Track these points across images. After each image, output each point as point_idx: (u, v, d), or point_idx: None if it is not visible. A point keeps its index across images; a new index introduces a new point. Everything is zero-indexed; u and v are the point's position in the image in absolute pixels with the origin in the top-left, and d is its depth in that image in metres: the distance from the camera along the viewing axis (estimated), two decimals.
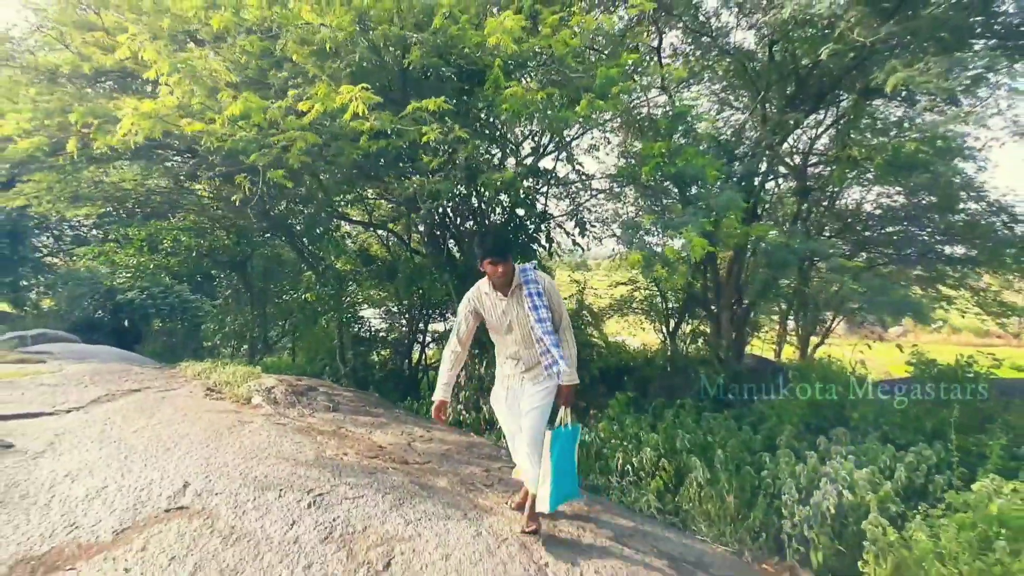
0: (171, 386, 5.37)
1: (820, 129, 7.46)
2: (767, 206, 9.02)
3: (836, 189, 9.11)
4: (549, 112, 3.46)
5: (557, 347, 2.46)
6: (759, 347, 11.77)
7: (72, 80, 3.73)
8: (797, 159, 7.69)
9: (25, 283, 14.74)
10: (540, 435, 2.55)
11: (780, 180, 8.56)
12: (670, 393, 6.45)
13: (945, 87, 3.81)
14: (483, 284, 2.61)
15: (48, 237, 16.19)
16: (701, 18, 7.30)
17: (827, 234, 10.09)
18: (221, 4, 3.21)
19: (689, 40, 7.53)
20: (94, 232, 16.63)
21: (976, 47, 5.04)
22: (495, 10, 3.30)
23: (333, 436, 3.94)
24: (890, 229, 9.19)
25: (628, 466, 4.05)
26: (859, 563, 2.84)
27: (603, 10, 5.55)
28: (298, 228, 7.24)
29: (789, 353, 10.66)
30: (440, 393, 2.67)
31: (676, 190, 4.67)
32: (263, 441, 3.56)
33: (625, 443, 4.51)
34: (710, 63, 7.94)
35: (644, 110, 6.73)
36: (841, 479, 3.50)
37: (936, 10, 4.18)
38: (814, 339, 10.81)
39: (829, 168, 7.24)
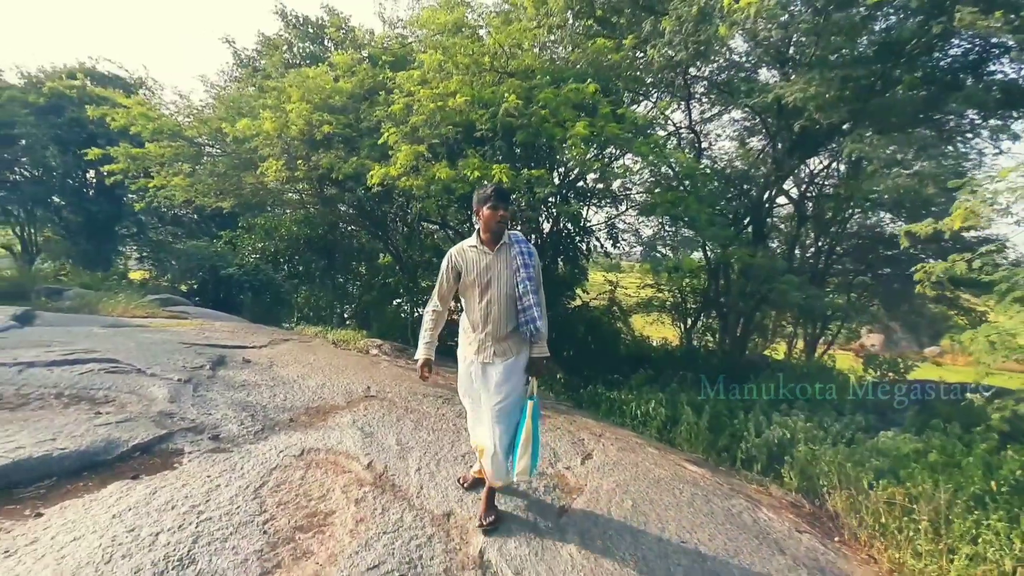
0: (304, 339, 7.32)
1: (820, 167, 8.87)
2: (773, 231, 10.49)
3: (847, 214, 10.49)
4: (597, 165, 5.18)
5: (539, 307, 2.49)
6: (772, 350, 13.19)
7: (301, 141, 5.77)
8: (798, 191, 9.12)
9: (138, 255, 17.43)
10: (514, 418, 2.53)
11: (790, 208, 10.01)
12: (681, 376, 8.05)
13: (884, 158, 5.32)
14: (468, 240, 2.62)
15: (153, 218, 18.87)
16: (734, 58, 8.84)
17: (838, 253, 11.54)
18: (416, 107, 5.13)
19: (716, 85, 9.06)
20: (181, 212, 19.37)
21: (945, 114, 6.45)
22: (569, 100, 5.01)
23: (438, 376, 5.77)
24: (891, 252, 10.52)
25: (639, 411, 5.73)
26: (782, 469, 4.45)
27: (642, 108, 7.22)
28: (393, 226, 9.15)
29: (796, 354, 12.03)
30: (423, 352, 2.63)
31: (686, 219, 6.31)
32: (396, 373, 5.41)
33: (640, 401, 6.18)
34: (737, 101, 9.47)
35: (673, 141, 8.37)
36: (788, 426, 5.10)
37: (893, 97, 5.68)
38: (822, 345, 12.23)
39: (827, 199, 8.65)
